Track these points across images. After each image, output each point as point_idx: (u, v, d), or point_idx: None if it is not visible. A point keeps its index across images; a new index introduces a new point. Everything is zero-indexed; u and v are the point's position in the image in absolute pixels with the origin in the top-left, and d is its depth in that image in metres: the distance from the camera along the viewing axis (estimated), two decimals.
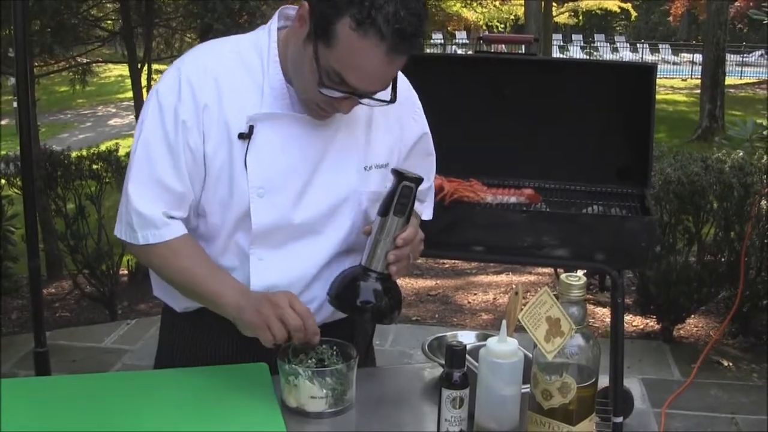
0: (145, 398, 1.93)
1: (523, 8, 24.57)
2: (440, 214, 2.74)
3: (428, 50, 29.34)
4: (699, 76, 19.55)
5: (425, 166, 2.21)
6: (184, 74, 1.94)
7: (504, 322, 1.71)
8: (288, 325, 1.84)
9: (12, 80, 6.76)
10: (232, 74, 1.95)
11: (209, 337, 2.12)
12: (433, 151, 2.26)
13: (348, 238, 2.06)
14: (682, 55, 34.00)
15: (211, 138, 1.93)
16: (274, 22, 2.00)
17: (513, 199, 3.07)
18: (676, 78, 28.98)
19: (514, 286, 4.55)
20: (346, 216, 2.04)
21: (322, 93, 1.84)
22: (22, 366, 5.03)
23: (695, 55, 28.61)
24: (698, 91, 18.70)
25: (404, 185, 1.88)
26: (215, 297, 1.96)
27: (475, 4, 32.29)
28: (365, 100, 1.89)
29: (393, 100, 1.92)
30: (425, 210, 2.31)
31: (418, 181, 1.90)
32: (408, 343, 5.46)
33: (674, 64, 32.69)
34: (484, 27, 33.34)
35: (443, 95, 3.10)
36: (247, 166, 1.93)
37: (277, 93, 1.95)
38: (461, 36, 35.68)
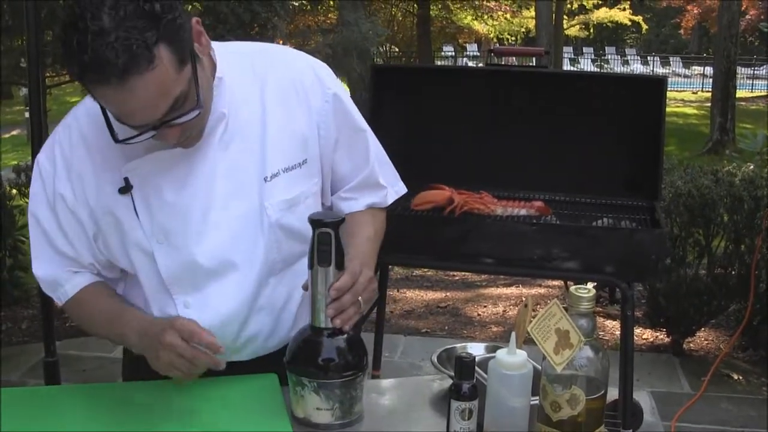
0: (154, 408, 1.94)
1: (534, 21, 24.58)
2: (450, 226, 2.75)
3: (439, 63, 29.42)
4: (710, 89, 19.51)
5: (357, 146, 2.09)
6: (57, 142, 1.96)
7: (513, 333, 1.71)
8: (190, 361, 1.81)
9: (24, 90, 6.80)
10: (98, 135, 1.89)
11: None
12: (364, 126, 2.11)
13: (269, 258, 1.99)
14: (693, 68, 33.98)
15: (94, 201, 1.92)
16: None
17: (523, 212, 3.07)
18: (687, 91, 28.96)
19: (524, 299, 4.55)
20: (258, 236, 1.96)
21: (126, 143, 1.77)
22: (32, 375, 5.04)
23: (706, 68, 28.62)
24: (709, 104, 18.68)
25: (320, 233, 1.78)
26: (123, 341, 1.98)
27: (486, 17, 32.31)
28: (182, 120, 1.73)
29: (200, 106, 1.74)
30: (386, 196, 2.18)
31: (337, 223, 1.79)
32: (418, 355, 5.46)
33: (685, 77, 32.66)
34: (495, 40, 33.37)
35: (454, 108, 3.11)
36: (138, 217, 1.91)
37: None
38: (472, 49, 35.71)
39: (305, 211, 1.94)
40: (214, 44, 1.92)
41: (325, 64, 2.08)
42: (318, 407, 1.82)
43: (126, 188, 1.89)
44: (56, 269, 2.01)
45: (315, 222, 1.79)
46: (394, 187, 2.20)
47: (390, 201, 2.19)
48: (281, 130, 1.96)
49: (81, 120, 1.95)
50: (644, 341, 5.71)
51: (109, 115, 1.74)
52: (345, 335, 1.83)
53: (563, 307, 1.61)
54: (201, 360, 1.81)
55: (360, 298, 1.84)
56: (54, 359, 4.09)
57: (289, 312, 2.06)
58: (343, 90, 2.07)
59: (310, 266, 1.81)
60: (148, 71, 1.60)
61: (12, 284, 6.12)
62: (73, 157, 1.93)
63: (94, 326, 2.05)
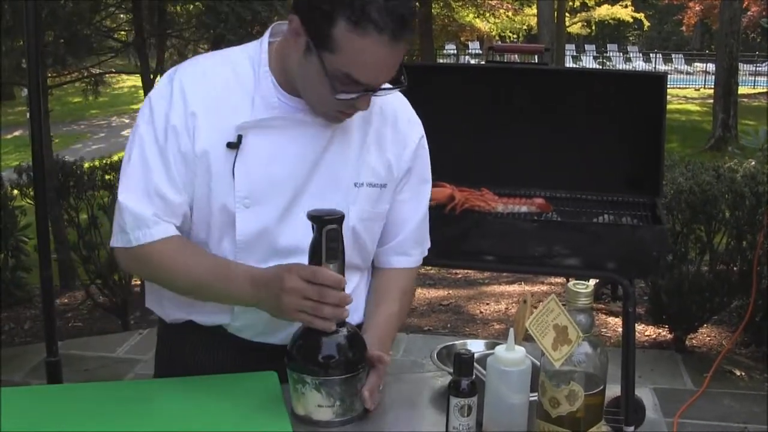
0: (154, 407, 1.94)
1: (536, 18, 24.56)
2: (451, 223, 2.74)
3: (441, 60, 29.41)
4: (712, 86, 19.49)
5: (420, 193, 2.16)
6: (176, 81, 1.94)
7: (511, 330, 1.71)
8: (317, 300, 1.78)
9: (26, 91, 6.81)
10: (224, 83, 1.94)
11: (204, 350, 2.10)
12: (429, 178, 2.18)
13: None
14: (696, 64, 33.95)
15: (201, 142, 1.91)
16: (266, 37, 2.00)
17: (524, 209, 3.07)
18: (689, 88, 28.94)
19: (524, 296, 4.55)
20: None
21: (339, 99, 1.83)
22: (34, 375, 5.05)
23: (708, 64, 28.59)
24: (711, 100, 18.66)
25: (329, 230, 1.78)
26: (229, 293, 1.94)
27: (488, 15, 32.30)
28: (384, 90, 1.88)
29: (405, 83, 1.89)
30: (422, 255, 2.22)
31: (340, 219, 1.81)
32: (420, 352, 5.46)
33: (687, 73, 32.63)
34: (497, 37, 33.35)
35: (455, 105, 3.11)
36: (234, 176, 1.91)
37: (266, 102, 1.93)
38: (474, 46, 35.69)
39: (376, 230, 2.08)
40: None
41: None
42: (319, 404, 1.82)
43: (235, 144, 1.91)
44: (149, 208, 1.92)
45: (320, 219, 1.79)
46: (428, 242, 2.25)
47: (420, 262, 2.23)
48: (377, 148, 2.03)
49: (203, 70, 1.98)
50: (647, 338, 5.71)
51: (327, 71, 1.79)
52: (345, 332, 1.83)
53: (561, 303, 1.61)
54: (328, 296, 1.77)
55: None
56: (56, 359, 4.09)
57: None
58: (425, 137, 2.14)
59: (317, 263, 1.80)
60: (409, 37, 1.79)
61: (14, 285, 6.13)
62: (193, 95, 1.92)
63: (184, 278, 1.97)
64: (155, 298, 2.12)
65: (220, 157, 1.91)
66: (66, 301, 6.62)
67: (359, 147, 2.01)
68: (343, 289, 1.81)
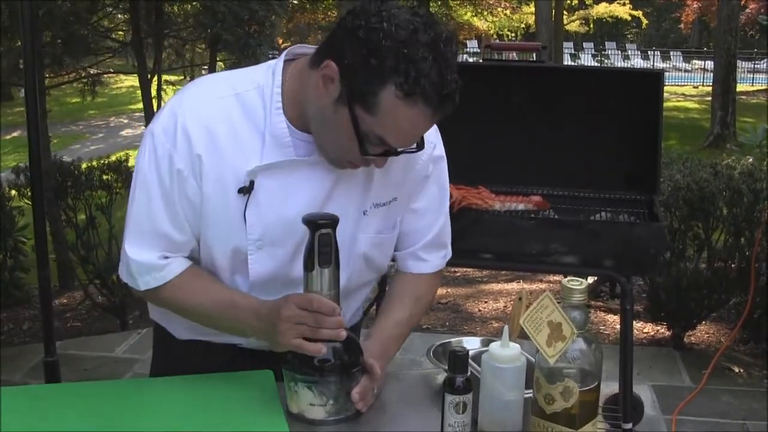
0: (151, 405, 1.94)
1: (534, 17, 24.56)
2: None
3: None
4: (710, 83, 19.48)
5: (437, 199, 2.12)
6: (180, 121, 1.86)
7: (506, 327, 1.71)
8: (313, 325, 1.77)
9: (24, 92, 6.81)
10: (231, 123, 1.87)
11: (204, 359, 2.10)
12: (446, 183, 2.13)
13: (348, 286, 1.99)
14: (694, 62, 33.96)
15: (209, 186, 1.87)
16: (279, 63, 1.91)
17: (521, 207, 3.07)
18: (688, 85, 28.92)
19: (520, 293, 4.54)
20: (344, 263, 1.89)
21: (365, 157, 1.80)
22: (33, 376, 5.05)
23: (707, 62, 28.59)
24: (710, 98, 18.65)
25: (321, 234, 1.76)
26: (236, 326, 1.95)
27: (485, 13, 32.31)
28: (409, 153, 1.86)
29: (421, 147, 1.86)
30: (443, 259, 2.20)
31: (334, 222, 1.79)
32: (418, 351, 5.43)
33: (685, 71, 32.65)
34: (495, 36, 33.35)
35: None
36: (246, 220, 1.89)
37: (278, 141, 1.87)
38: (472, 45, 35.69)
39: (387, 246, 2.08)
40: None
41: None
42: (311, 403, 1.82)
43: (247, 189, 1.87)
44: (154, 252, 1.93)
45: (313, 223, 1.77)
46: (448, 248, 2.22)
47: (442, 266, 2.21)
48: (384, 169, 1.93)
49: (209, 110, 1.89)
50: (645, 335, 5.70)
51: (359, 128, 1.75)
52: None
53: (556, 300, 1.61)
54: (324, 322, 1.76)
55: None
56: (54, 359, 4.09)
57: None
58: (441, 143, 2.09)
59: (310, 268, 1.78)
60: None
61: (13, 285, 6.13)
62: (198, 138, 1.86)
63: (196, 313, 2.00)
64: (163, 312, 2.12)
65: (230, 200, 1.88)
66: (65, 301, 6.61)
67: (365, 175, 1.95)
68: (339, 314, 1.79)
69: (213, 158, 1.85)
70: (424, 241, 2.13)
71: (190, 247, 1.96)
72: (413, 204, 2.07)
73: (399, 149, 1.79)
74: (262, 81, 1.89)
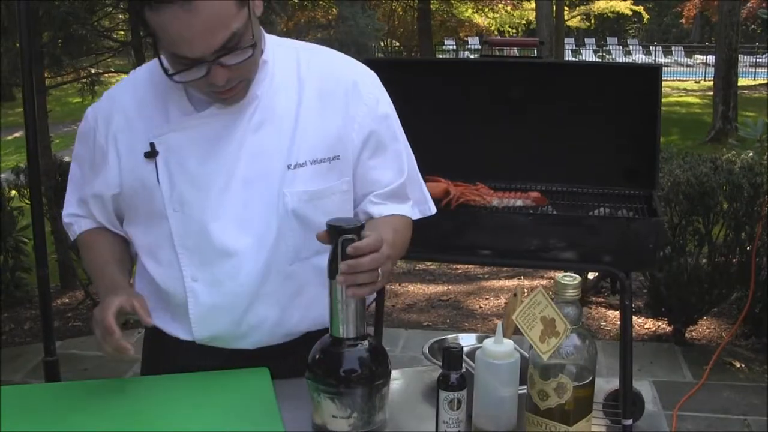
0: (148, 404, 1.95)
1: (534, 13, 24.55)
2: (446, 218, 2.74)
3: (440, 56, 29.40)
4: (712, 78, 19.46)
5: (391, 155, 2.06)
6: (99, 105, 2.06)
7: (500, 323, 1.71)
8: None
9: None
10: (141, 99, 1.99)
11: (185, 357, 2.10)
12: (401, 138, 2.09)
13: (281, 245, 1.96)
14: (696, 57, 33.94)
15: (125, 161, 1.99)
16: None
17: (519, 202, 3.07)
18: (690, 80, 28.93)
19: (524, 290, 4.55)
20: (272, 221, 1.94)
21: (175, 79, 1.82)
22: (35, 375, 5.05)
23: (708, 56, 28.57)
24: (711, 92, 18.63)
25: (344, 239, 1.69)
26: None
27: (486, 10, 32.32)
28: (236, 59, 1.79)
29: (254, 44, 1.80)
30: (411, 209, 2.13)
31: (359, 229, 1.72)
32: (419, 348, 5.42)
33: (687, 66, 32.63)
34: (496, 32, 33.34)
35: (448, 99, 3.11)
36: (160, 183, 1.94)
37: (180, 106, 1.95)
38: (473, 42, 35.68)
39: (330, 206, 1.97)
40: (265, 35, 1.98)
41: (371, 71, 2.08)
42: (334, 415, 1.76)
43: (151, 153, 1.94)
44: (74, 209, 2.17)
45: (336, 229, 1.72)
46: (420, 205, 2.16)
47: (415, 216, 2.13)
48: (314, 124, 1.96)
49: (121, 92, 2.05)
50: (646, 331, 5.71)
51: (162, 58, 1.80)
52: (366, 344, 1.77)
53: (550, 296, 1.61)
54: (104, 341, 1.93)
55: (379, 269, 1.72)
56: (54, 359, 4.09)
57: (299, 306, 2.03)
58: (386, 99, 2.07)
59: (333, 275, 1.71)
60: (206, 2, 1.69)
61: (14, 285, 6.14)
62: (111, 118, 2.01)
63: (88, 272, 2.21)
64: (160, 317, 2.12)
65: (144, 169, 1.96)
66: (66, 300, 6.61)
67: (292, 126, 1.95)
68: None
69: (126, 133, 1.99)
70: (378, 192, 2.05)
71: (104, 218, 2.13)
72: (364, 162, 2.02)
73: (201, 57, 1.75)
74: None
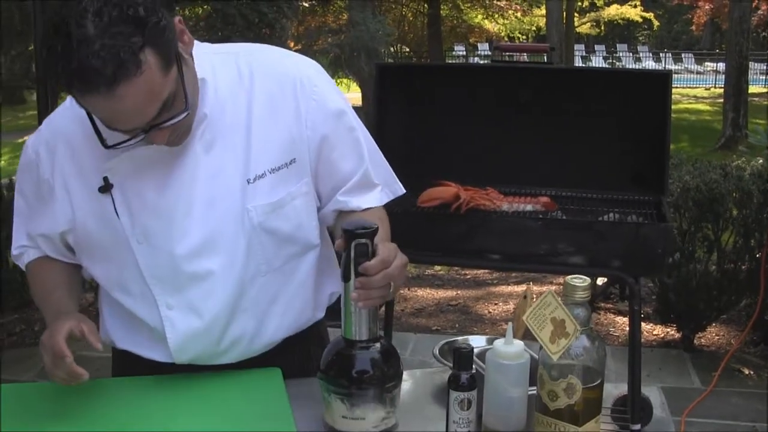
0: (157, 403, 1.96)
1: (545, 19, 24.55)
2: (456, 222, 2.75)
3: (450, 62, 29.41)
4: (722, 85, 19.43)
5: (349, 145, 2.02)
6: (40, 135, 2.00)
7: (510, 324, 1.72)
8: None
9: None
10: (84, 125, 1.83)
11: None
12: (356, 125, 2.03)
13: (252, 260, 1.95)
14: (706, 64, 33.91)
15: (77, 196, 1.94)
16: None
17: (529, 207, 3.07)
18: (700, 87, 28.89)
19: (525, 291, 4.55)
20: (239, 238, 1.92)
21: (116, 149, 1.79)
22: (43, 376, 5.04)
23: (719, 63, 28.50)
24: (722, 100, 18.60)
25: (357, 244, 1.70)
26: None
27: (496, 16, 32.29)
28: (171, 122, 1.74)
29: (188, 107, 1.75)
30: (380, 194, 2.09)
31: (372, 232, 1.72)
32: (428, 352, 5.41)
33: (698, 73, 32.62)
34: (506, 38, 33.30)
35: (459, 104, 3.12)
36: (119, 216, 1.90)
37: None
38: (483, 48, 35.67)
39: (292, 212, 1.96)
40: (200, 45, 1.93)
41: (315, 63, 2.05)
42: (344, 416, 1.77)
43: (105, 187, 1.89)
44: (23, 242, 2.11)
45: (351, 233, 1.71)
46: (390, 187, 2.13)
47: (384, 201, 2.10)
48: (267, 131, 1.92)
49: (64, 122, 1.97)
50: (655, 337, 5.71)
51: (96, 120, 1.75)
52: (379, 347, 1.79)
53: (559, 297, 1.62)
54: (55, 365, 1.83)
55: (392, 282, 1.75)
56: None
57: (275, 314, 2.03)
58: (333, 88, 2.04)
59: (346, 279, 1.73)
60: (136, 77, 1.60)
61: (24, 288, 6.15)
62: (55, 150, 1.95)
63: (36, 298, 2.11)
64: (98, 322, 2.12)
65: (100, 204, 1.92)
66: None
67: (245, 138, 1.92)
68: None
69: (73, 168, 1.94)
70: (345, 189, 2.03)
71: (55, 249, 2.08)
72: (325, 158, 1.99)
73: (145, 126, 1.71)
74: None
